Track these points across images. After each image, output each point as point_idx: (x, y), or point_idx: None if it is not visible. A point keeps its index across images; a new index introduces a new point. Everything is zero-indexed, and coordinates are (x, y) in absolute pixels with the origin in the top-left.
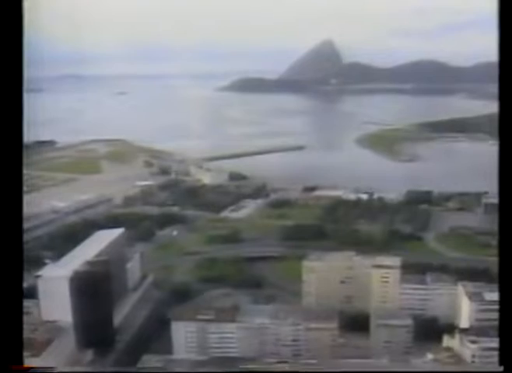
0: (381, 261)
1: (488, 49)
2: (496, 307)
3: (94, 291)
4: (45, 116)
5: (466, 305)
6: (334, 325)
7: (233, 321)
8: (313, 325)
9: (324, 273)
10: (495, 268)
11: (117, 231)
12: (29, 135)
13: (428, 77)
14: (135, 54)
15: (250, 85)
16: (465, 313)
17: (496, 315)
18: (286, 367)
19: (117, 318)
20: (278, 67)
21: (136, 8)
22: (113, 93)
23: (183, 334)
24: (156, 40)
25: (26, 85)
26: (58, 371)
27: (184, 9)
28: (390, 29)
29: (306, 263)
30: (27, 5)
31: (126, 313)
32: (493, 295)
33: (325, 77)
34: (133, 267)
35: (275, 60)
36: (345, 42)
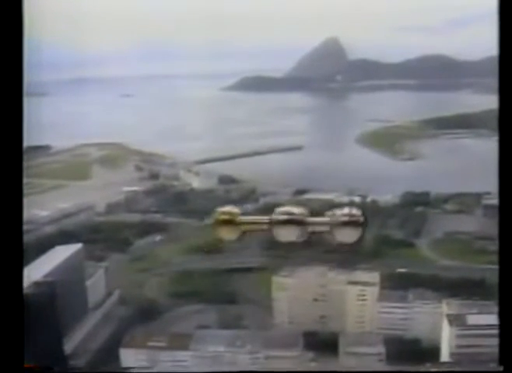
0: (358, 277)
1: (495, 43)
2: (480, 332)
3: (39, 314)
4: (47, 120)
5: (446, 330)
6: (296, 353)
7: (186, 348)
8: (273, 353)
9: (295, 290)
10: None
11: (75, 247)
12: (31, 140)
13: (434, 72)
14: (140, 55)
15: (256, 84)
16: (445, 340)
17: (478, 342)
18: None
19: (72, 343)
20: (283, 65)
21: (140, 9)
22: (117, 95)
23: (132, 363)
24: (160, 40)
25: (29, 89)
26: (58, 371)
27: (187, 9)
28: (395, 25)
29: (276, 279)
30: (28, 5)
31: (82, 336)
32: (478, 318)
33: (331, 74)
34: (95, 284)
35: (280, 58)
36: (350, 39)
